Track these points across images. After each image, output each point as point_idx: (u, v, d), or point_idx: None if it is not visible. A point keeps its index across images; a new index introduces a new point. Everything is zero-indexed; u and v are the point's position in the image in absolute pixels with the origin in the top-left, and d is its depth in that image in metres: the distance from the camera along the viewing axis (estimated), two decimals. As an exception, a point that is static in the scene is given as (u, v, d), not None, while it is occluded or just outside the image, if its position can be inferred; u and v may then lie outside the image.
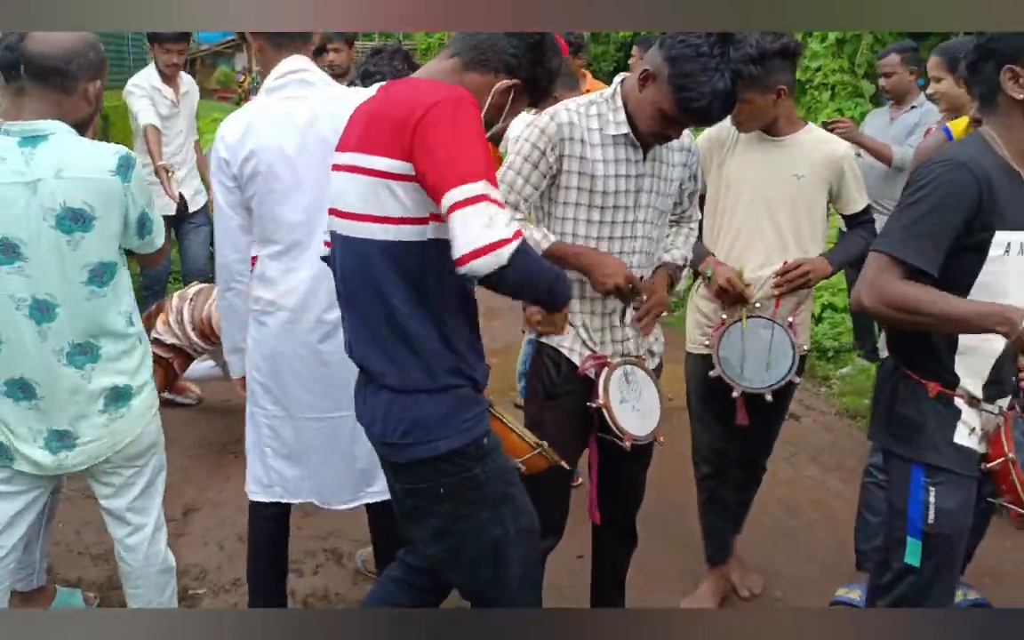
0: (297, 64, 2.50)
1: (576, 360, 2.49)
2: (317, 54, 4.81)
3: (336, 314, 2.43)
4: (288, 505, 2.78)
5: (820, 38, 8.51)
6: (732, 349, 2.80)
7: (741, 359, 2.80)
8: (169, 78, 5.03)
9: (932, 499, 2.08)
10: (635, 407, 2.49)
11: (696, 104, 2.17)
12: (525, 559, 2.06)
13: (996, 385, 2.13)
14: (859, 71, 8.41)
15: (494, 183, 1.74)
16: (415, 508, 2.05)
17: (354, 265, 1.94)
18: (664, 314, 2.58)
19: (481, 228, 1.67)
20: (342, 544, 3.57)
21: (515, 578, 2.04)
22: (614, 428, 2.41)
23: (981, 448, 2.14)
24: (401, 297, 1.88)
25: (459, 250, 1.69)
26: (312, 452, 2.65)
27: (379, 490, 2.67)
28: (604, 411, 2.41)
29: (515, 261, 1.68)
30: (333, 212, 1.99)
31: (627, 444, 2.42)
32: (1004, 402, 2.18)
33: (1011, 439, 2.09)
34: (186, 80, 5.25)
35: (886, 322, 2.19)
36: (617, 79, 2.47)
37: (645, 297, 2.50)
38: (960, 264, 2.03)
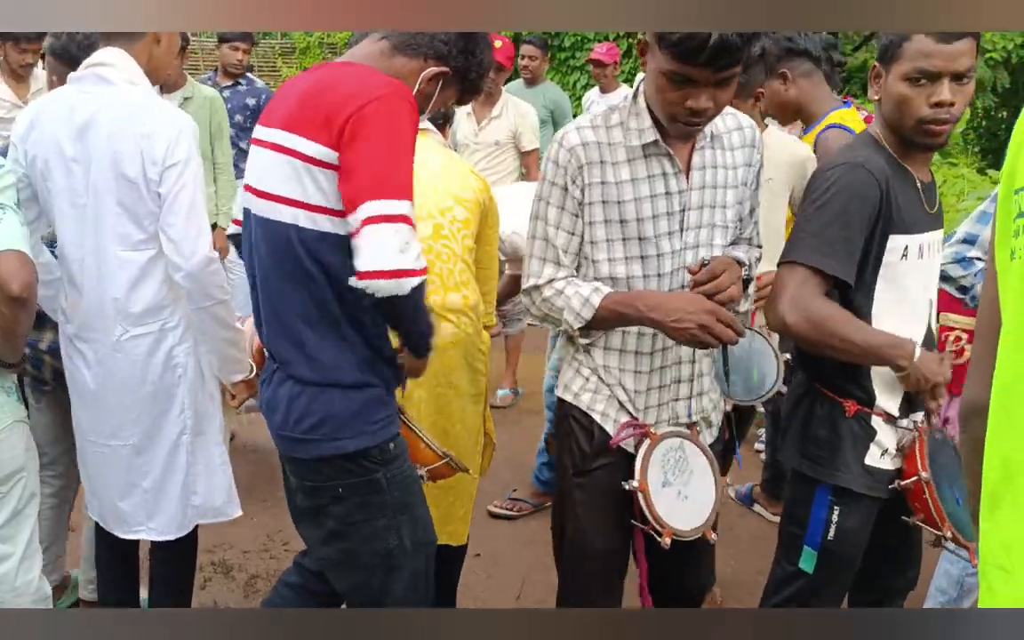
0: (102, 57, 2.28)
1: (610, 428, 2.04)
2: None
3: (112, 338, 2.32)
4: None
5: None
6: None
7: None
8: (21, 78, 4.73)
9: (835, 518, 2.03)
10: (681, 493, 2.01)
11: (674, 37, 1.75)
12: (417, 573, 2.00)
13: (911, 400, 2.06)
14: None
15: (412, 201, 1.72)
16: (311, 508, 1.98)
17: (270, 249, 1.85)
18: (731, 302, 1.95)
19: (395, 251, 1.66)
20: (231, 556, 3.44)
21: (404, 590, 1.98)
22: (651, 519, 1.94)
23: (894, 465, 2.06)
24: (319, 287, 1.81)
25: (365, 265, 1.67)
26: (94, 473, 2.48)
27: (156, 528, 2.47)
28: (640, 497, 1.94)
29: (413, 294, 1.70)
30: (250, 189, 1.90)
31: (666, 540, 1.93)
32: (919, 416, 2.09)
33: (925, 457, 2.00)
34: (39, 78, 4.93)
35: (802, 342, 2.01)
36: (638, 79, 2.00)
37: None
38: (861, 270, 1.95)
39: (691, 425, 2.07)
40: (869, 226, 1.92)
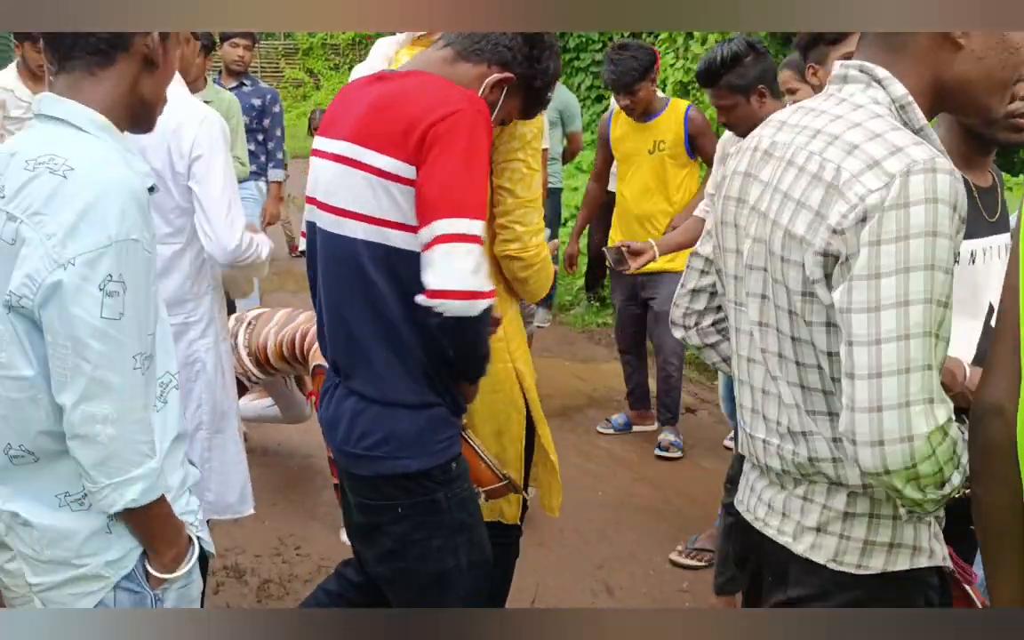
0: None
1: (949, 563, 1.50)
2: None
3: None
4: None
5: (700, 40, 8.76)
6: None
7: None
8: (39, 79, 4.74)
9: None
10: None
11: None
12: (472, 593, 1.97)
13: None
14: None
15: (486, 218, 1.70)
16: (368, 525, 1.95)
17: (339, 264, 1.82)
18: None
19: (468, 272, 1.64)
20: (243, 560, 3.43)
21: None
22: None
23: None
24: (390, 305, 1.77)
25: (437, 283, 1.64)
26: None
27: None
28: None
29: (482, 316, 1.68)
30: (315, 203, 1.87)
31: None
32: None
33: None
34: None
35: None
36: (877, 74, 1.35)
37: None
38: None
39: None
40: None
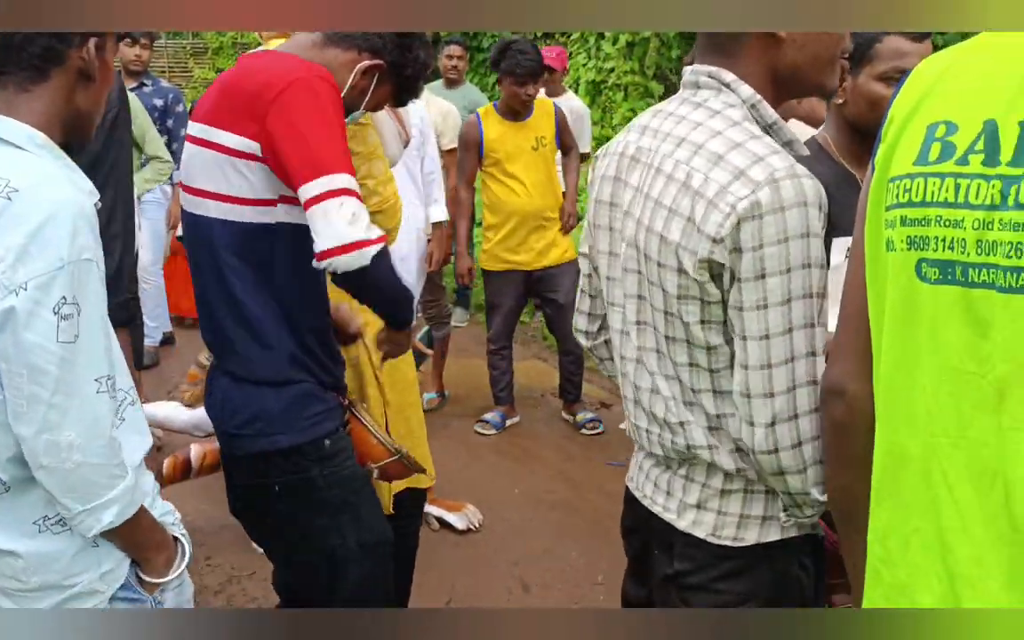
0: None
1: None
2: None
3: None
4: None
5: (612, 40, 8.87)
6: None
7: None
8: None
9: None
10: None
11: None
12: (366, 575, 1.95)
13: None
14: (648, 72, 8.86)
15: (353, 174, 1.71)
16: (250, 507, 1.96)
17: (199, 244, 1.84)
18: None
19: (345, 225, 1.65)
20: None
21: (354, 593, 1.94)
22: None
23: None
24: (244, 283, 1.79)
25: (321, 244, 1.66)
26: None
27: None
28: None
29: (376, 263, 1.68)
30: (181, 185, 1.89)
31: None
32: None
33: None
34: None
35: None
36: (725, 78, 1.42)
37: None
38: None
39: None
40: None
